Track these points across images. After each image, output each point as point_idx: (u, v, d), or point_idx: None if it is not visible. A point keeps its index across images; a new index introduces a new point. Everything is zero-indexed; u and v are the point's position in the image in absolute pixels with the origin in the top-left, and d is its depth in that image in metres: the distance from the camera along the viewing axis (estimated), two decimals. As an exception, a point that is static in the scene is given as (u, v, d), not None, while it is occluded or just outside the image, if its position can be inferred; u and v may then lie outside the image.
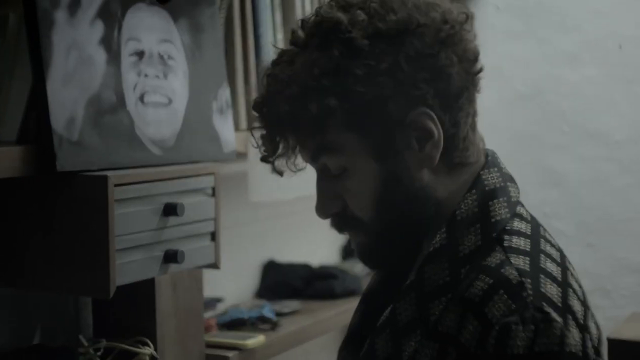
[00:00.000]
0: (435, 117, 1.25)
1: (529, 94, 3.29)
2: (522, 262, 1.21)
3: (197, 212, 1.75)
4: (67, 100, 1.52)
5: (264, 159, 1.32)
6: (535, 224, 1.32)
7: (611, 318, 2.86)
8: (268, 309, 2.37)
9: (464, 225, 1.26)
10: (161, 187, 1.66)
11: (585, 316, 1.23)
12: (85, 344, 1.94)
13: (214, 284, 2.39)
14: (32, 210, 1.59)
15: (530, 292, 1.17)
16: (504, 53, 3.31)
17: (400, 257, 1.31)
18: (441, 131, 1.25)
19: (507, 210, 1.28)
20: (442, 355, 1.20)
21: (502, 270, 1.20)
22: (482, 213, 1.27)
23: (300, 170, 1.35)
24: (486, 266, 1.22)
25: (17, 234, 1.61)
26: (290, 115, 1.25)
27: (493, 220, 1.26)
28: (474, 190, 1.28)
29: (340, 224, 1.33)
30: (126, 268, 1.59)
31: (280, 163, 1.32)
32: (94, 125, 1.56)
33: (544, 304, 1.17)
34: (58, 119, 1.50)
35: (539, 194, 3.28)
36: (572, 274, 1.28)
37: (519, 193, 1.34)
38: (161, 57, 1.71)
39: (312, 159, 1.30)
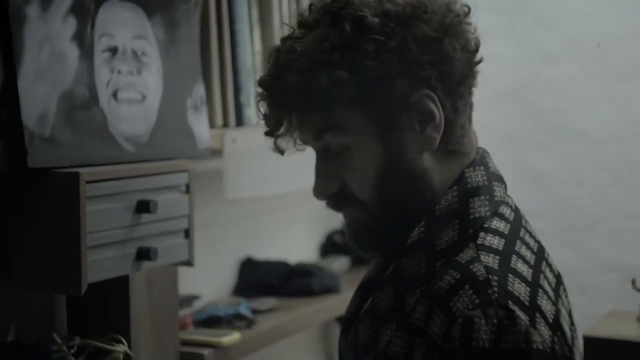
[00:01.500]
0: (437, 100, 1.27)
1: (509, 92, 3.29)
2: (491, 260, 1.23)
3: (171, 209, 1.74)
4: (39, 96, 1.51)
5: (268, 134, 1.34)
6: (516, 225, 1.33)
7: (589, 315, 2.86)
8: (245, 307, 2.37)
9: (442, 221, 1.28)
10: (134, 184, 1.65)
11: (557, 316, 1.23)
12: (59, 341, 1.93)
13: (191, 281, 2.38)
14: (3, 207, 1.58)
15: (495, 289, 1.18)
16: (483, 51, 3.30)
17: (392, 242, 1.32)
18: (442, 114, 1.28)
19: (487, 208, 1.30)
20: (411, 345, 1.22)
21: (471, 267, 1.21)
22: (461, 210, 1.29)
23: (300, 150, 1.36)
24: (456, 261, 1.24)
25: (-11, 231, 1.60)
26: (300, 87, 1.26)
27: (471, 217, 1.29)
28: (455, 187, 1.30)
29: (338, 203, 1.34)
30: (98, 265, 1.59)
31: (281, 141, 1.34)
32: (66, 121, 1.55)
33: (509, 301, 1.18)
34: (30, 115, 1.49)
35: (518, 192, 3.24)
36: (545, 277, 1.29)
37: (505, 193, 1.35)
38: (135, 53, 1.71)
39: (315, 137, 1.31)
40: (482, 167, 1.34)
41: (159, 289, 2.07)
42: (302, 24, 1.32)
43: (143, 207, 1.65)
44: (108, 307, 2.00)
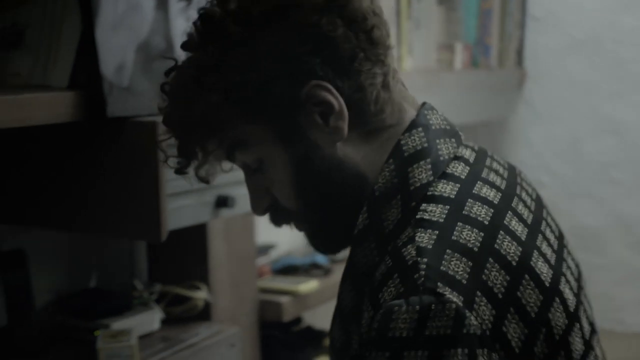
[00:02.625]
0: (330, 87, 1.16)
1: (586, 41, 3.25)
2: (427, 237, 1.09)
3: (248, 157, 1.76)
4: (116, 47, 1.53)
5: (179, 172, 1.26)
6: (471, 179, 1.18)
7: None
8: (321, 256, 2.39)
9: (384, 200, 1.16)
10: (211, 132, 1.67)
11: (513, 286, 1.08)
12: (141, 288, 1.98)
13: (268, 231, 2.41)
14: (84, 156, 1.61)
15: (422, 272, 1.05)
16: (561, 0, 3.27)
17: (346, 237, 1.21)
18: (341, 100, 1.16)
19: (430, 173, 1.16)
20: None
21: (403, 250, 1.09)
22: (401, 182, 1.16)
23: (226, 172, 1.29)
24: (394, 245, 1.12)
25: (71, 179, 1.63)
26: (186, 119, 1.20)
27: (412, 187, 1.16)
28: (391, 160, 1.18)
29: (275, 218, 1.27)
30: (177, 213, 1.61)
31: (203, 170, 1.25)
32: (143, 71, 1.57)
33: (439, 284, 1.04)
34: (108, 65, 1.52)
35: (596, 142, 3.25)
36: (507, 233, 1.12)
37: (456, 147, 1.21)
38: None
39: (229, 158, 1.24)
40: (420, 129, 1.20)
41: (237, 237, 2.10)
42: (183, 45, 1.23)
43: (220, 154, 1.67)
44: (187, 255, 2.04)
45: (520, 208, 1.20)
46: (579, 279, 1.23)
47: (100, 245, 2.02)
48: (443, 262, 1.06)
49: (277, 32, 1.15)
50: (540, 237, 1.18)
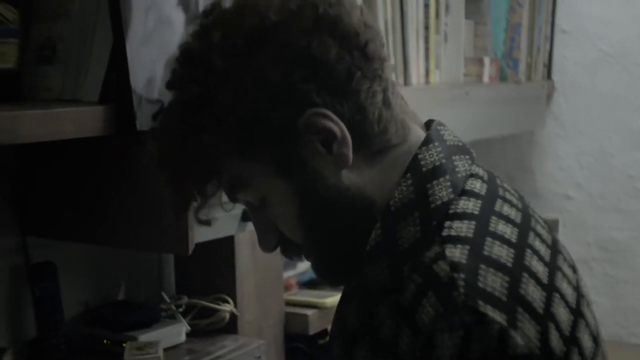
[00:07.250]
0: (329, 113, 1.09)
1: (614, 54, 3.24)
2: (458, 252, 1.03)
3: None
4: (146, 61, 1.54)
5: (177, 215, 1.22)
6: (490, 198, 1.13)
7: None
8: (347, 269, 2.39)
9: (400, 216, 1.10)
10: (239, 146, 1.67)
11: (548, 302, 1.04)
12: (168, 300, 1.99)
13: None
14: (113, 169, 1.62)
15: (462, 290, 1.00)
16: (590, 13, 3.26)
17: (354, 267, 1.14)
18: (342, 125, 1.10)
19: (450, 190, 1.11)
20: None
21: (434, 266, 1.03)
22: (419, 199, 1.10)
23: (232, 208, 1.28)
24: (421, 262, 1.05)
25: (100, 193, 1.64)
26: (177, 167, 1.16)
27: (432, 205, 1.09)
28: (408, 175, 1.12)
29: (286, 252, 1.22)
30: (204, 226, 1.61)
31: (204, 212, 1.22)
32: (172, 85, 1.58)
33: (480, 302, 0.99)
34: (138, 79, 1.52)
35: (624, 156, 3.24)
36: (533, 252, 1.09)
37: (471, 164, 1.16)
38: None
39: (232, 199, 1.20)
40: (436, 143, 1.14)
41: (264, 250, 2.10)
42: (168, 84, 1.18)
43: (248, 169, 1.68)
44: (214, 268, 2.04)
45: (539, 229, 1.16)
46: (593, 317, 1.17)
47: (129, 258, 2.03)
48: (479, 277, 1.01)
49: (264, 60, 1.09)
50: (559, 261, 1.14)
